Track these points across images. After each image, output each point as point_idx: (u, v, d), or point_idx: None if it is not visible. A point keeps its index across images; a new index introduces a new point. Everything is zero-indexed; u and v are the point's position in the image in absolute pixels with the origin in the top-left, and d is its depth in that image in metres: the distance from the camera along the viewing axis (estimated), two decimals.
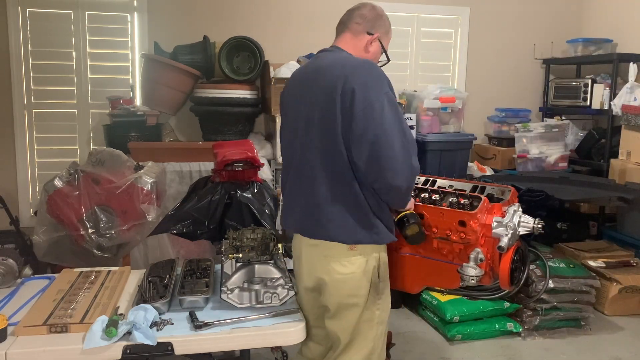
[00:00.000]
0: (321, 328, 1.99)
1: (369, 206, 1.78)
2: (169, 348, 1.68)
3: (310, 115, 1.80)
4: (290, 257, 2.85)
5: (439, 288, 3.33)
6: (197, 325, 1.76)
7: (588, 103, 4.45)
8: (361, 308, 1.85)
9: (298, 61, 4.03)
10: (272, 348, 2.04)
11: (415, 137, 4.05)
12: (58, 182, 2.83)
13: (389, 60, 2.01)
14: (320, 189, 1.79)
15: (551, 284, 3.26)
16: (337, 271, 1.82)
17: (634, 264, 3.69)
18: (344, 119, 1.71)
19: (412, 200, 1.95)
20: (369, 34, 1.93)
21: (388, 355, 2.92)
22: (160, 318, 1.79)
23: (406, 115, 4.08)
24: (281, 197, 2.04)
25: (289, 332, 1.80)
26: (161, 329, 1.74)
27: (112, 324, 1.66)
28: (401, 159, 1.67)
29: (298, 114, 1.87)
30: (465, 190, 2.17)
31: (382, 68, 1.84)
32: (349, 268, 1.81)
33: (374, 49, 1.94)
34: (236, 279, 1.94)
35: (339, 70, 1.75)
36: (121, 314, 1.78)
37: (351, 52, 1.91)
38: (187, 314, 1.84)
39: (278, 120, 3.81)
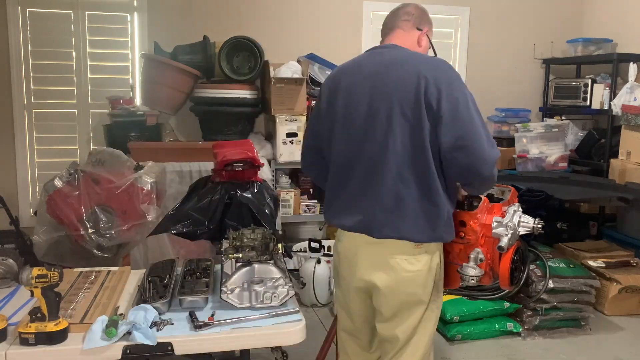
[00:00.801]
0: (364, 332, 2.00)
1: (446, 205, 1.78)
2: (169, 348, 1.68)
3: (389, 114, 1.74)
4: (290, 257, 2.85)
5: None
6: (197, 325, 1.76)
7: (588, 103, 4.45)
8: (425, 306, 1.84)
9: (298, 61, 4.04)
10: (272, 348, 2.04)
11: None
12: (58, 182, 2.82)
13: (435, 54, 2.02)
14: (396, 187, 1.75)
15: (551, 284, 3.26)
16: (404, 269, 1.79)
17: (634, 264, 3.69)
18: (430, 117, 1.70)
19: None
20: (418, 29, 1.96)
21: None
22: (160, 318, 1.79)
23: None
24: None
25: (289, 332, 1.80)
26: (161, 329, 1.74)
27: (112, 324, 1.66)
28: (487, 149, 1.70)
29: (369, 112, 1.78)
30: None
31: None
32: (416, 266, 1.80)
33: (424, 43, 1.97)
34: (236, 279, 1.94)
35: (417, 67, 1.74)
36: (121, 314, 1.78)
37: (406, 47, 1.91)
38: (187, 314, 1.84)
39: (278, 120, 3.82)
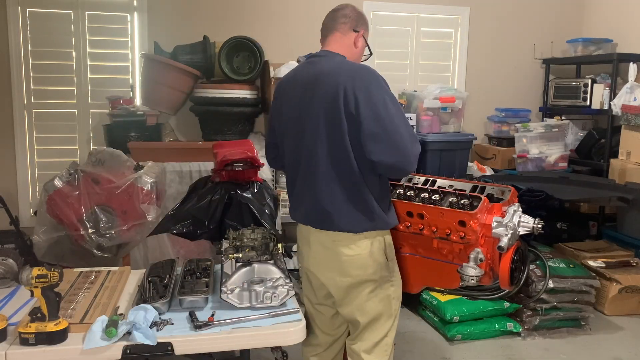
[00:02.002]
0: (324, 314, 2.17)
1: (372, 198, 1.94)
2: (169, 348, 1.68)
3: (316, 122, 1.92)
4: (290, 257, 2.85)
5: (439, 288, 3.34)
6: (197, 325, 1.76)
7: (588, 103, 4.45)
8: (373, 285, 2.00)
9: (298, 61, 4.02)
10: (272, 348, 2.04)
11: None
12: (58, 182, 2.82)
13: (371, 54, 2.18)
14: (328, 186, 1.93)
15: (551, 284, 3.26)
16: (344, 254, 1.96)
17: (634, 264, 3.69)
18: (349, 123, 1.86)
19: None
20: (355, 31, 2.07)
21: None
22: (160, 318, 1.79)
23: (406, 115, 4.07)
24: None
25: (289, 332, 1.80)
26: (161, 329, 1.74)
27: (112, 324, 1.66)
28: (409, 147, 1.84)
29: (302, 119, 1.98)
30: (465, 190, 2.17)
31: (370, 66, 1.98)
32: (355, 250, 1.96)
33: (360, 44, 2.09)
34: (236, 279, 1.94)
35: (338, 78, 1.88)
36: (121, 314, 1.78)
37: (343, 50, 2.05)
38: (187, 314, 1.84)
39: None
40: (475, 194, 2.11)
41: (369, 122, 1.82)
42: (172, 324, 1.78)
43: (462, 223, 1.97)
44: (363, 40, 2.09)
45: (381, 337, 2.06)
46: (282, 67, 3.88)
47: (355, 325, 2.07)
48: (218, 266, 2.18)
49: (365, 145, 1.84)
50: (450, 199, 2.06)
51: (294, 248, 3.94)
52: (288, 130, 2.06)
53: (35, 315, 1.65)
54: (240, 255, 2.04)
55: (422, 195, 2.12)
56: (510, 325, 3.28)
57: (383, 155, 1.82)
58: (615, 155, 4.18)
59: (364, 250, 1.96)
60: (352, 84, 1.85)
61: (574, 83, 4.58)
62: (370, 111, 1.82)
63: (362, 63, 2.08)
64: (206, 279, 2.05)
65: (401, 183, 2.24)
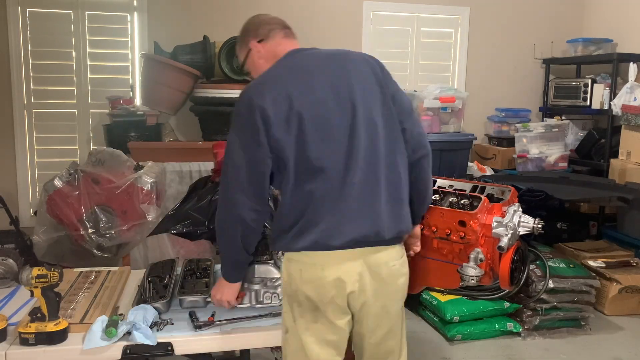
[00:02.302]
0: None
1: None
2: (169, 348, 1.69)
3: (367, 106, 1.65)
4: None
5: (439, 288, 3.33)
6: (197, 325, 1.76)
7: (588, 103, 4.45)
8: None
9: None
10: (272, 348, 2.04)
11: None
12: (58, 182, 2.83)
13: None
14: (399, 184, 1.71)
15: (551, 284, 3.26)
16: (402, 273, 1.73)
17: (634, 264, 3.69)
18: (392, 103, 1.73)
19: None
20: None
21: None
22: (160, 318, 1.79)
23: None
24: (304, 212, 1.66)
25: None
26: (161, 329, 1.74)
27: (112, 324, 1.66)
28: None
29: (336, 113, 1.62)
30: (465, 190, 2.17)
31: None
32: (405, 267, 1.76)
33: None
34: None
35: (361, 56, 1.76)
36: (121, 314, 1.78)
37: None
38: (187, 314, 1.84)
39: None
40: (475, 194, 2.11)
41: (401, 99, 1.76)
42: (172, 324, 1.78)
43: (462, 223, 1.96)
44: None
45: None
46: None
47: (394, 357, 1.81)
48: (218, 266, 2.18)
49: (407, 121, 1.74)
50: (450, 199, 2.06)
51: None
52: (312, 133, 1.59)
53: (35, 315, 1.65)
54: None
55: None
56: (510, 325, 3.28)
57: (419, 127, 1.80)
58: (615, 155, 4.18)
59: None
60: (377, 63, 1.76)
61: (574, 83, 4.58)
62: (398, 91, 1.78)
63: None
64: (206, 279, 2.05)
65: None
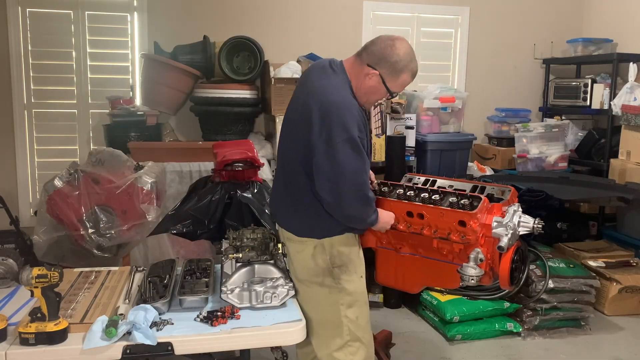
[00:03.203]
0: None
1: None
2: (169, 348, 1.69)
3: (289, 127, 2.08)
4: None
5: (439, 288, 3.34)
6: (203, 318, 1.77)
7: (588, 103, 4.45)
8: (313, 287, 2.03)
9: (298, 61, 4.03)
10: (272, 348, 2.04)
11: (415, 137, 4.10)
12: (58, 182, 2.83)
13: (391, 96, 2.09)
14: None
15: (551, 284, 3.26)
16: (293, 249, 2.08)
17: (634, 264, 3.69)
18: (305, 148, 1.95)
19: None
20: (369, 66, 2.00)
21: (388, 355, 2.92)
22: (160, 318, 1.79)
23: (406, 115, 4.08)
24: None
25: (289, 332, 1.80)
26: (161, 329, 1.74)
27: (112, 324, 1.66)
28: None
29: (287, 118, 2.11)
30: (465, 190, 2.17)
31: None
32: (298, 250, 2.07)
33: (372, 83, 2.01)
34: (236, 279, 1.94)
35: (317, 99, 1.93)
36: (121, 314, 1.78)
37: (352, 73, 2.02)
38: (190, 314, 1.84)
39: (278, 120, 3.82)
40: (475, 194, 2.11)
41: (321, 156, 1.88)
42: (172, 324, 1.78)
43: (462, 223, 1.96)
44: (376, 81, 2.00)
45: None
46: (282, 67, 3.88)
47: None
48: (218, 266, 2.19)
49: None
50: (450, 199, 2.06)
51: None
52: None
53: (35, 315, 1.65)
54: (240, 255, 2.04)
55: (422, 195, 2.12)
56: (510, 325, 3.28)
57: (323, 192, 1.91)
58: (615, 155, 4.18)
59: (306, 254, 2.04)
60: (321, 115, 1.89)
61: (574, 83, 4.58)
62: (323, 147, 1.88)
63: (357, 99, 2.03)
64: (206, 279, 2.05)
65: (401, 183, 2.23)
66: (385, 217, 2.06)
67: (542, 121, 4.76)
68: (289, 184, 2.05)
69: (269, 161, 3.90)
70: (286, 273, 2.00)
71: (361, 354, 2.06)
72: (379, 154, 3.89)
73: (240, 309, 1.87)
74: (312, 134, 1.90)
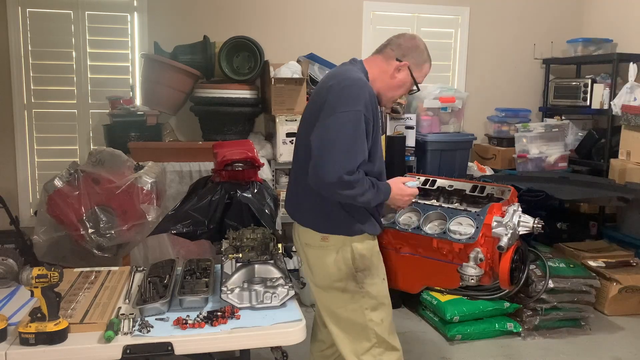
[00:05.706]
0: None
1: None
2: (169, 348, 1.68)
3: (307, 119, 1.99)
4: (290, 257, 2.85)
5: (439, 288, 3.33)
6: (206, 316, 1.77)
7: (588, 103, 4.45)
8: (334, 293, 1.99)
9: (298, 61, 4.03)
10: (272, 348, 2.04)
11: (415, 137, 4.10)
12: (58, 182, 2.82)
13: (418, 89, 2.11)
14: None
15: (551, 284, 3.26)
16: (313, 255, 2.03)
17: (634, 264, 3.69)
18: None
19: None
20: (398, 60, 2.01)
21: None
22: (160, 318, 1.79)
23: (406, 115, 4.08)
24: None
25: (289, 332, 1.80)
26: (148, 331, 1.73)
27: (112, 326, 1.66)
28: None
29: (303, 117, 2.06)
30: (465, 190, 2.17)
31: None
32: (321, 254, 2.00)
33: (401, 76, 2.02)
34: (236, 279, 1.94)
35: (332, 82, 1.90)
36: (122, 314, 1.78)
37: (376, 73, 2.01)
38: (190, 314, 1.84)
39: (278, 120, 3.82)
40: (475, 194, 2.11)
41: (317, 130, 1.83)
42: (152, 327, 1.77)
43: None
44: (406, 73, 2.03)
45: None
46: (282, 67, 3.88)
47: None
48: (218, 266, 2.18)
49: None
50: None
51: (294, 248, 3.94)
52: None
53: (35, 315, 1.65)
54: (240, 255, 2.04)
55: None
56: (510, 325, 3.28)
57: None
58: (615, 155, 4.18)
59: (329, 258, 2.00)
60: (332, 92, 1.85)
61: (574, 83, 4.58)
62: (328, 117, 1.81)
63: (379, 85, 2.01)
64: (206, 279, 2.05)
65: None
66: (397, 191, 1.97)
67: (542, 121, 4.77)
68: (302, 180, 1.96)
69: (269, 161, 3.90)
70: (286, 273, 1.99)
71: (391, 356, 2.06)
72: None
73: (240, 309, 1.87)
74: (321, 114, 1.85)
